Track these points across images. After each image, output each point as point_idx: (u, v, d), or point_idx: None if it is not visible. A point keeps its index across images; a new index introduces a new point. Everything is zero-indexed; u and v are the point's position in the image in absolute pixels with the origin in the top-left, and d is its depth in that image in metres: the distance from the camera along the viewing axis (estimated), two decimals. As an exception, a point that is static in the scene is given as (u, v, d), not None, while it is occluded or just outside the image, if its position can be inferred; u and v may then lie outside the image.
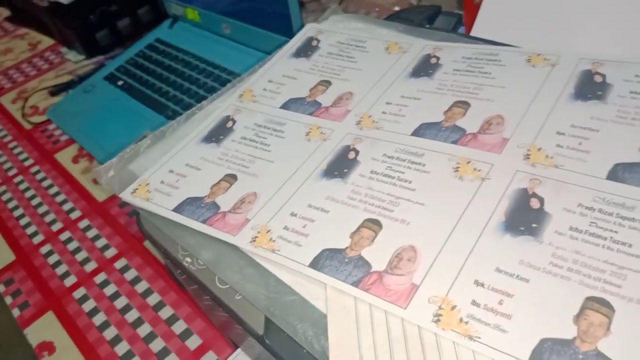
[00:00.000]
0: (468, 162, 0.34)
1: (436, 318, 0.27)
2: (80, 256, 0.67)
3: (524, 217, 0.30)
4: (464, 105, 0.39)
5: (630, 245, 0.27)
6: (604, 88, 0.36)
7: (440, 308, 0.27)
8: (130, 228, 0.68)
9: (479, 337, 0.26)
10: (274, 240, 0.34)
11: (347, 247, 0.32)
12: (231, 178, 0.39)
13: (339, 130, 0.40)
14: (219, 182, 0.39)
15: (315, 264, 0.32)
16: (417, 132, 0.38)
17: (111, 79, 0.89)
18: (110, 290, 0.61)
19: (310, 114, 0.43)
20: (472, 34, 0.51)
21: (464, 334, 0.26)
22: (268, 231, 0.34)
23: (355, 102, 0.42)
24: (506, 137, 0.35)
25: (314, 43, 0.50)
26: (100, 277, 0.63)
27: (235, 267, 0.34)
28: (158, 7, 1.01)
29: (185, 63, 0.87)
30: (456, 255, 0.29)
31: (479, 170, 0.33)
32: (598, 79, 0.37)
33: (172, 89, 0.83)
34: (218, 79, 0.81)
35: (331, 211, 0.34)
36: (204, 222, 0.36)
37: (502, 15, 0.49)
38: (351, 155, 0.38)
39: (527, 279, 0.27)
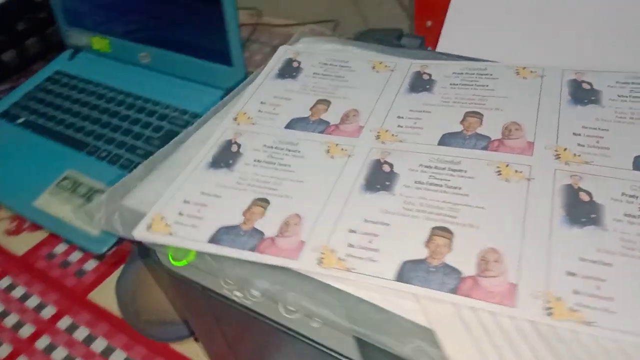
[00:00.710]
0: (507, 166, 0.36)
1: (548, 311, 0.28)
2: (10, 321, 0.57)
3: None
4: (477, 115, 0.41)
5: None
6: (593, 94, 0.41)
7: (547, 302, 0.28)
8: (67, 280, 0.60)
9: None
10: (343, 260, 0.32)
11: (427, 257, 0.31)
12: (263, 202, 0.37)
13: (360, 145, 0.40)
14: (250, 208, 0.36)
15: (401, 277, 0.31)
16: (443, 142, 0.39)
17: (7, 116, 0.79)
18: (59, 354, 0.53)
19: (321, 132, 0.42)
20: (438, 50, 0.54)
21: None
22: (332, 251, 0.33)
23: (364, 119, 0.42)
24: (530, 140, 0.38)
25: (295, 65, 0.49)
26: (42, 342, 0.54)
27: (302, 293, 0.32)
28: (48, 38, 0.92)
29: (99, 95, 0.80)
30: (533, 248, 0.31)
31: (520, 172, 0.35)
32: (586, 86, 0.42)
33: (89, 124, 0.75)
34: (142, 111, 0.75)
35: (391, 224, 0.34)
36: (252, 250, 0.33)
37: (464, 33, 0.53)
38: (386, 168, 0.38)
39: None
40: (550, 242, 0.31)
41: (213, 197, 0.37)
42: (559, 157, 0.36)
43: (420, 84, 0.45)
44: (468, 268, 0.30)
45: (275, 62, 0.50)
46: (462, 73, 0.45)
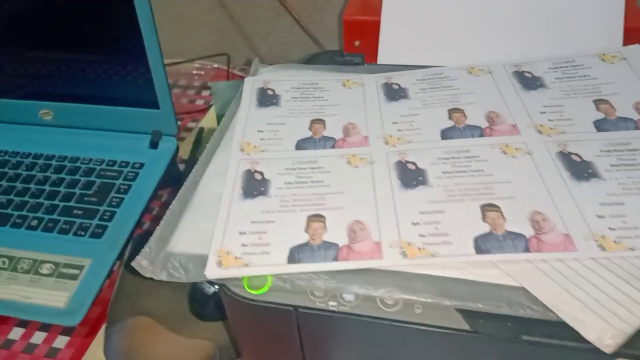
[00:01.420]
0: (507, 145, 0.43)
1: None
2: None
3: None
4: (459, 110, 0.47)
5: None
6: (536, 80, 0.50)
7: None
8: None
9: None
10: (422, 248, 0.36)
11: (492, 229, 0.37)
12: (319, 217, 0.39)
13: (376, 152, 0.44)
14: (309, 225, 0.38)
15: (479, 250, 0.35)
16: (444, 136, 0.45)
17: None
18: None
19: (332, 147, 0.45)
20: (379, 62, 0.60)
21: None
22: (409, 244, 0.36)
23: (364, 129, 0.47)
24: (512, 123, 0.45)
25: (270, 92, 0.52)
26: None
27: (396, 286, 0.34)
28: None
29: (1, 163, 0.72)
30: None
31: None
32: (528, 75, 0.51)
33: (1, 195, 0.68)
34: (61, 170, 0.70)
35: (446, 210, 0.38)
36: (335, 259, 0.35)
37: (399, 45, 0.60)
38: (411, 166, 0.42)
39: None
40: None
41: (266, 223, 0.38)
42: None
43: (393, 94, 0.50)
44: (528, 231, 0.36)
45: (249, 93, 0.52)
46: (424, 79, 0.52)
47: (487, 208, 0.38)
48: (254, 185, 0.41)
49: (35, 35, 0.71)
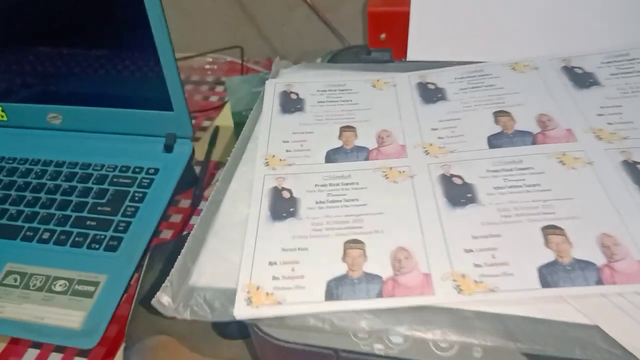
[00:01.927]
0: (564, 154, 0.38)
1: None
2: None
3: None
4: (506, 113, 0.43)
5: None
6: (589, 76, 0.45)
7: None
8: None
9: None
10: (479, 281, 0.31)
11: (558, 257, 0.32)
12: (357, 244, 0.34)
13: (416, 164, 0.39)
14: (347, 253, 0.34)
15: (545, 283, 0.31)
16: (492, 144, 0.40)
17: None
18: None
19: (366, 159, 0.41)
20: (408, 59, 0.55)
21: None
22: (464, 275, 0.32)
23: (399, 137, 0.42)
24: (567, 127, 0.41)
25: (294, 97, 0.47)
26: None
27: (451, 326, 0.30)
28: None
29: (10, 171, 0.69)
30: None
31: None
32: (579, 70, 0.46)
33: (11, 206, 0.65)
34: (72, 178, 0.66)
35: (502, 234, 0.34)
36: (379, 296, 0.31)
37: (429, 40, 0.55)
38: (457, 181, 0.38)
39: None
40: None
41: (298, 251, 0.34)
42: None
43: (430, 94, 0.46)
44: (599, 259, 0.31)
45: (271, 97, 0.47)
46: (463, 77, 0.47)
47: (550, 231, 0.33)
48: (283, 206, 0.37)
49: (42, 35, 0.67)
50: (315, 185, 0.39)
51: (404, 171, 0.39)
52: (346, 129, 0.43)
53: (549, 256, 0.32)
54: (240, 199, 0.38)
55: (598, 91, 0.43)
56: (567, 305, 0.30)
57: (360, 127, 0.43)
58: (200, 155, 0.73)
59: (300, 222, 0.36)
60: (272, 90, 0.48)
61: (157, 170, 0.66)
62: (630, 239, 0.32)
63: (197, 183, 0.70)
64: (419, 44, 0.54)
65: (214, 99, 0.86)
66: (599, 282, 0.30)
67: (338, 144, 0.42)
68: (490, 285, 0.31)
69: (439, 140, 0.41)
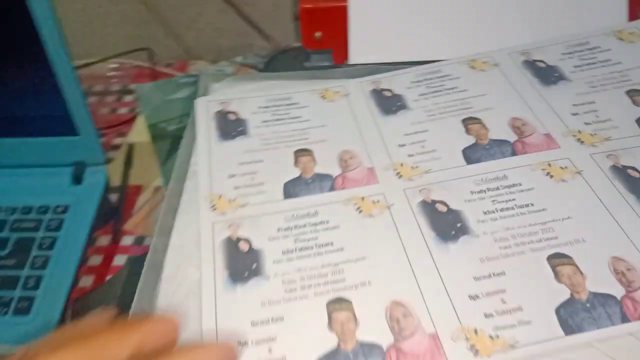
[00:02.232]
0: (550, 165, 0.35)
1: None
2: None
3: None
4: (476, 120, 0.38)
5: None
6: (553, 70, 0.42)
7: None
8: None
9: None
10: (496, 337, 0.27)
11: (573, 292, 0.28)
12: (342, 304, 0.29)
13: (389, 191, 0.34)
14: (333, 319, 0.28)
15: (567, 329, 0.27)
16: (469, 159, 0.36)
17: None
18: None
19: (331, 189, 0.35)
20: (351, 62, 0.49)
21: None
22: (476, 331, 0.27)
23: (365, 157, 0.36)
24: (545, 132, 0.37)
25: (232, 117, 0.40)
26: None
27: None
28: None
29: None
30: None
31: (564, 168, 0.34)
32: (541, 64, 0.42)
33: None
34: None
35: (507, 272, 0.29)
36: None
37: (372, 38, 0.49)
38: (441, 207, 0.33)
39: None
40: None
41: (272, 323, 0.28)
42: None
43: (389, 103, 0.40)
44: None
45: (205, 120, 0.40)
46: (420, 81, 0.42)
47: (557, 261, 0.29)
48: (242, 262, 0.30)
49: None
50: (278, 229, 0.32)
51: (378, 201, 0.33)
52: (302, 153, 0.37)
53: (563, 293, 0.28)
54: (186, 257, 0.31)
55: (566, 87, 0.40)
56: (592, 350, 0.26)
57: (318, 149, 0.37)
58: (115, 180, 0.63)
59: (267, 283, 0.29)
60: (204, 110, 0.40)
61: (66, 208, 0.56)
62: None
63: (116, 214, 0.60)
64: (362, 45, 0.48)
65: (123, 110, 0.76)
66: (625, 319, 0.27)
67: (295, 172, 0.35)
68: (508, 339, 0.26)
69: (409, 158, 0.36)
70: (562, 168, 0.34)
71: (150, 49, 0.80)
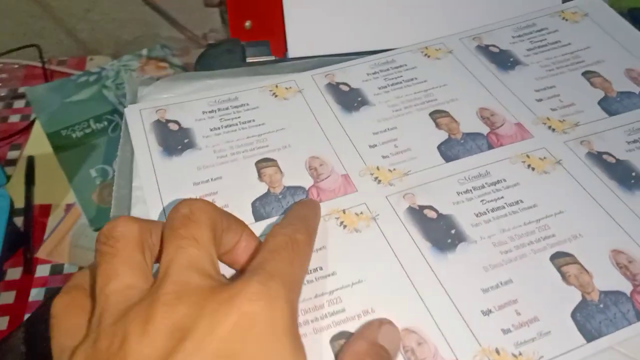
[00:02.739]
0: (528, 156, 0.33)
1: None
2: None
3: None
4: (444, 113, 0.36)
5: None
6: (508, 55, 0.41)
7: None
8: None
9: None
10: (519, 355, 0.25)
11: (584, 294, 0.27)
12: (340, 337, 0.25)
13: (371, 200, 0.31)
14: None
15: (588, 335, 0.25)
16: (447, 156, 0.33)
17: None
18: None
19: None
20: (291, 55, 0.46)
21: None
22: (497, 351, 0.25)
23: (337, 163, 0.33)
24: (515, 121, 0.36)
25: (174, 127, 0.35)
26: None
27: None
28: None
29: None
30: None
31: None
32: (494, 49, 0.41)
33: None
34: None
35: (514, 280, 0.27)
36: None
37: (310, 28, 0.46)
38: (430, 214, 0.30)
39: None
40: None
41: None
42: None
43: (348, 98, 0.37)
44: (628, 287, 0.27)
45: (142, 133, 0.34)
46: (376, 72, 0.39)
47: (561, 261, 0.28)
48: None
49: None
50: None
51: (361, 212, 0.30)
52: (265, 163, 0.32)
53: (574, 295, 0.27)
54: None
55: (524, 71, 0.39)
56: (614, 352, 0.25)
57: (282, 157, 0.33)
58: (17, 201, 0.55)
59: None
60: (138, 121, 0.34)
61: (-35, 243, 0.47)
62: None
63: (25, 241, 0.52)
64: (301, 35, 0.44)
65: (15, 118, 0.66)
66: (639, 315, 0.26)
67: (262, 188, 0.31)
68: (532, 355, 0.24)
69: (384, 160, 0.33)
70: (541, 159, 0.33)
71: (38, 45, 0.70)
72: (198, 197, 0.29)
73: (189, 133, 0.34)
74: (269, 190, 0.31)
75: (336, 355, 0.24)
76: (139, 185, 0.30)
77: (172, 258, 0.19)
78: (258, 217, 0.29)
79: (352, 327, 0.25)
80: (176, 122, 0.34)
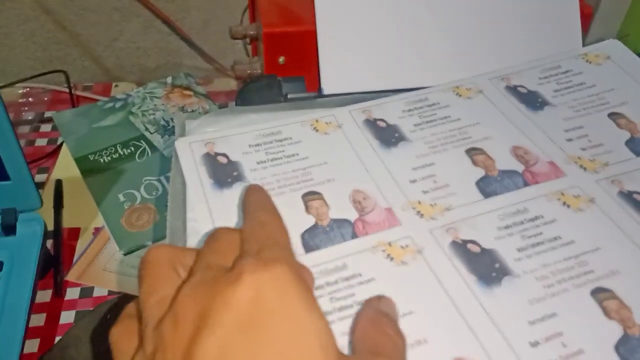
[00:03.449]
0: (563, 194, 0.35)
1: None
2: None
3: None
4: (479, 150, 0.38)
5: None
6: (536, 96, 0.43)
7: None
8: None
9: None
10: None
11: (625, 327, 0.28)
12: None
13: (415, 234, 0.32)
14: None
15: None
16: (485, 192, 0.35)
17: None
18: None
19: (353, 237, 0.32)
20: (325, 92, 0.47)
21: None
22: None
23: (379, 197, 0.34)
24: (548, 160, 0.37)
25: (223, 160, 0.36)
26: None
27: None
28: None
29: None
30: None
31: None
32: (523, 90, 0.43)
33: None
34: None
35: (558, 314, 0.29)
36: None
37: (343, 66, 0.48)
38: (474, 248, 0.32)
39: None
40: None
41: None
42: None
43: (386, 134, 0.39)
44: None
45: (193, 165, 0.35)
46: (411, 109, 0.41)
47: (601, 296, 0.29)
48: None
49: None
50: (316, 287, 0.29)
51: (407, 245, 0.31)
52: (311, 197, 0.34)
53: (616, 329, 0.28)
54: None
55: (552, 112, 0.41)
56: (656, 385, 0.26)
57: (326, 191, 0.34)
58: (47, 224, 0.56)
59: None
60: (189, 154, 0.36)
61: (0, 265, 0.48)
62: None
63: (55, 265, 0.53)
64: (334, 72, 0.46)
65: (41, 142, 0.67)
66: None
67: (310, 221, 0.32)
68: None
69: (425, 195, 0.34)
70: (575, 197, 0.34)
71: (65, 71, 0.72)
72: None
73: (237, 166, 0.35)
74: (316, 222, 0.32)
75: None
76: (193, 217, 0.32)
77: (197, 267, 0.23)
78: (308, 249, 0.31)
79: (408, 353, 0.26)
80: (225, 155, 0.36)
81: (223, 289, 0.20)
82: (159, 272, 0.23)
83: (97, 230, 0.55)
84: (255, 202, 0.28)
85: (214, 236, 0.25)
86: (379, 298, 0.28)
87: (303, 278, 0.21)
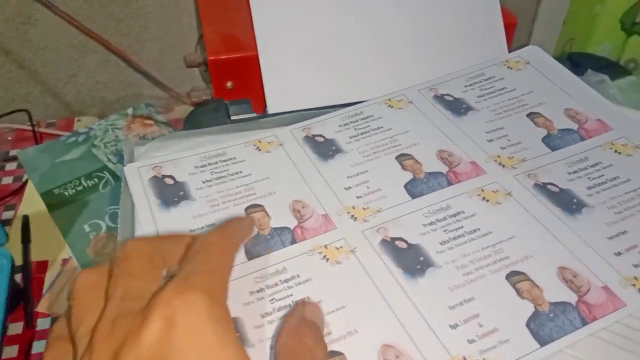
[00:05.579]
0: (483, 190, 0.38)
1: None
2: None
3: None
4: (408, 156, 0.41)
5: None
6: (461, 102, 0.46)
7: None
8: None
9: None
10: None
11: (536, 306, 0.31)
12: (336, 356, 0.29)
13: (349, 235, 0.35)
14: (331, 373, 0.28)
15: (540, 340, 0.30)
16: (412, 194, 0.38)
17: None
18: None
19: (292, 242, 0.35)
20: (270, 111, 0.50)
21: None
22: (464, 358, 0.29)
23: (316, 206, 0.37)
24: (470, 160, 0.41)
25: (169, 181, 0.39)
26: None
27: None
28: None
29: None
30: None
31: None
32: (449, 98, 0.47)
33: None
34: None
35: (476, 297, 0.32)
36: None
37: (285, 87, 0.51)
38: (401, 245, 0.35)
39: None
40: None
41: None
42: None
43: (324, 148, 0.42)
44: (572, 296, 0.31)
45: (141, 188, 0.38)
46: (347, 124, 0.44)
47: (515, 279, 0.32)
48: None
49: None
50: (250, 292, 0.31)
51: (341, 247, 0.34)
52: (253, 209, 0.37)
53: (528, 307, 0.31)
54: None
55: (476, 116, 0.44)
56: (563, 354, 0.29)
57: (268, 203, 0.37)
58: (15, 259, 0.57)
59: (251, 349, 0.29)
60: (137, 178, 0.38)
61: (-32, 302, 0.50)
62: (584, 267, 0.33)
63: (24, 297, 0.54)
64: (277, 93, 0.49)
65: (7, 180, 0.69)
66: (584, 322, 0.30)
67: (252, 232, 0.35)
68: (495, 360, 0.28)
69: (358, 200, 0.37)
70: (494, 192, 0.38)
71: (27, 110, 0.74)
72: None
73: (184, 186, 0.38)
74: (258, 232, 0.35)
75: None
76: (141, 235, 0.34)
77: (111, 294, 0.22)
78: (250, 256, 0.33)
79: (338, 347, 0.29)
80: (171, 177, 0.39)
81: (136, 326, 0.19)
82: (84, 301, 0.22)
83: (65, 261, 0.57)
84: (222, 224, 0.28)
85: (125, 253, 0.23)
86: (304, 304, 0.29)
87: (224, 308, 0.21)
